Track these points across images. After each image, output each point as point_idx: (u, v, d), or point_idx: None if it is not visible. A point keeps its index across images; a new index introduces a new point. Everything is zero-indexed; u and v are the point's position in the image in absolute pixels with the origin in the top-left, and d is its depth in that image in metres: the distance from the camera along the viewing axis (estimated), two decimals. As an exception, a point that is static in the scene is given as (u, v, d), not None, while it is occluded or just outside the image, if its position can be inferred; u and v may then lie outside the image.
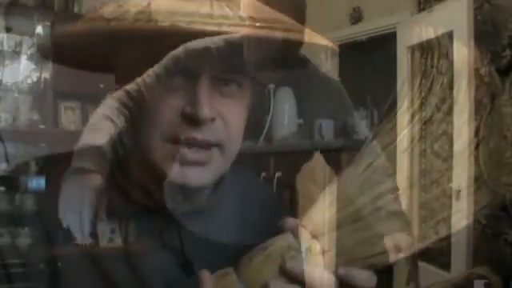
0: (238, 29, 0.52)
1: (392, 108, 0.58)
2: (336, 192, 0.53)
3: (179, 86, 0.57)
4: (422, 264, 2.39)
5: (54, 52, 0.66)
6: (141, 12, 0.52)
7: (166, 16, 0.51)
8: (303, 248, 0.52)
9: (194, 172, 0.58)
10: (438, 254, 2.37)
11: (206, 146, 0.58)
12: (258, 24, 0.54)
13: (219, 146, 0.59)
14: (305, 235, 0.52)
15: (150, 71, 0.52)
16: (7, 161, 2.28)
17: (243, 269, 0.52)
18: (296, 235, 0.53)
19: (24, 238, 0.84)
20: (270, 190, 0.87)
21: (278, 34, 0.55)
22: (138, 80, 0.53)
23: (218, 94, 0.58)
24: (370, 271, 0.53)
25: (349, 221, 0.53)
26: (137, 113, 0.59)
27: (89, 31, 0.57)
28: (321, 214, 0.53)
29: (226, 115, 0.59)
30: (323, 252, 0.52)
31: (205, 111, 0.56)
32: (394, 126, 0.56)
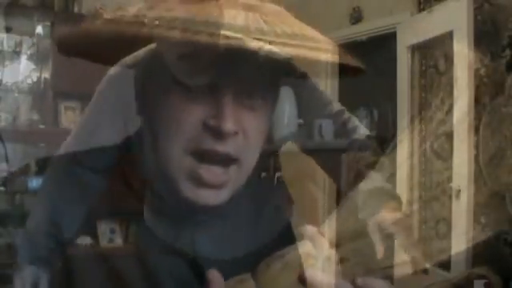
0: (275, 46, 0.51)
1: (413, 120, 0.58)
2: (357, 201, 0.53)
3: (204, 97, 0.55)
4: (422, 264, 2.39)
5: (74, 46, 0.64)
6: (176, 19, 0.50)
7: (203, 25, 0.49)
8: (322, 257, 0.52)
9: (210, 194, 0.57)
10: (437, 254, 2.36)
11: (226, 161, 0.57)
12: (293, 42, 0.52)
13: (238, 161, 0.58)
14: (324, 244, 0.52)
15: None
16: (7, 161, 2.28)
17: (260, 275, 0.51)
18: (315, 243, 0.52)
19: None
20: (282, 191, 0.86)
21: (312, 55, 0.53)
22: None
23: (242, 107, 0.57)
24: (388, 282, 0.53)
25: (366, 231, 0.52)
26: (156, 117, 0.58)
27: (111, 31, 0.55)
28: (340, 222, 0.53)
29: (247, 129, 0.57)
30: (342, 261, 0.52)
31: (228, 125, 0.54)
32: (411, 139, 0.56)
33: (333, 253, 0.52)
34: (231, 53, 0.49)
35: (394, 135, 0.55)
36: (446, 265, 2.27)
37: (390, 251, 0.52)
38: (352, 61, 0.57)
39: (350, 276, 0.51)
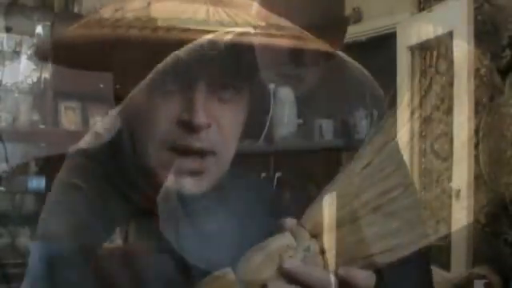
0: (237, 36, 0.52)
1: (391, 106, 0.58)
2: (335, 191, 0.53)
3: (175, 92, 0.57)
4: (421, 264, 2.39)
5: (53, 53, 0.66)
6: (138, 18, 0.52)
7: (163, 22, 0.51)
8: (302, 248, 0.52)
9: (190, 181, 0.59)
10: (437, 254, 2.37)
11: (201, 154, 0.58)
12: (255, 31, 0.53)
13: (214, 153, 0.59)
14: (303, 235, 0.52)
15: (138, 87, 0.52)
16: (7, 161, 2.28)
17: (242, 269, 0.52)
18: (294, 235, 0.53)
19: (24, 238, 0.84)
20: (270, 189, 0.87)
21: (277, 42, 0.54)
22: (129, 95, 0.54)
23: (215, 99, 0.58)
24: (370, 271, 0.53)
25: (348, 220, 0.53)
26: (134, 119, 0.59)
27: (85, 36, 0.57)
28: (320, 213, 0.53)
29: (222, 121, 0.59)
30: (322, 251, 0.52)
31: (201, 118, 0.56)
32: (394, 123, 0.56)
33: (313, 243, 0.52)
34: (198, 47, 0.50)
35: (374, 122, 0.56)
36: (445, 265, 2.27)
37: (370, 239, 0.53)
38: (322, 45, 0.58)
39: (331, 266, 0.52)
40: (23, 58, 2.80)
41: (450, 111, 2.35)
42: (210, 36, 0.51)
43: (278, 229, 0.53)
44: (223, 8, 0.54)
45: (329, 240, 0.52)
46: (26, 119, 2.76)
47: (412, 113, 0.58)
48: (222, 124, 0.59)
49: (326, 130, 2.76)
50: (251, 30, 0.53)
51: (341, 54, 0.60)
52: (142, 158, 0.59)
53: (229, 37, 0.51)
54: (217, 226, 0.66)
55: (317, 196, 0.54)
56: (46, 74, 2.80)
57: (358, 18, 3.03)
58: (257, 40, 0.53)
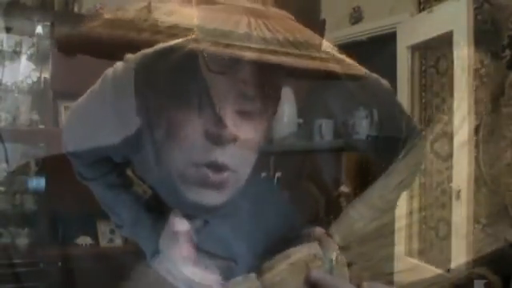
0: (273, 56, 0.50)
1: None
2: (366, 205, 0.53)
3: (204, 106, 0.56)
4: (422, 264, 2.39)
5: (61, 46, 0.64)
6: (176, 26, 0.50)
7: (206, 34, 0.49)
8: (329, 259, 0.51)
9: (211, 194, 0.58)
10: (438, 254, 2.37)
11: (225, 168, 0.57)
12: (294, 51, 0.51)
13: (235, 169, 0.59)
14: (331, 245, 0.52)
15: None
16: (7, 161, 2.28)
17: (266, 276, 0.51)
18: (322, 245, 0.52)
19: (24, 238, 0.84)
20: (282, 193, 0.86)
21: (313, 64, 0.53)
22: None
23: (240, 115, 0.57)
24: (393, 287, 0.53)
25: (377, 235, 0.52)
26: (156, 124, 0.58)
27: (111, 35, 0.55)
28: (349, 224, 0.52)
29: (246, 136, 0.58)
30: (349, 264, 0.52)
31: (228, 130, 0.55)
32: (424, 145, 0.55)
33: (340, 255, 0.51)
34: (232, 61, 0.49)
35: (405, 140, 0.55)
36: (445, 265, 2.27)
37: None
38: (351, 69, 0.57)
39: (356, 280, 0.51)
40: (23, 58, 2.80)
41: (449, 111, 2.34)
42: (245, 53, 0.49)
43: (306, 237, 0.53)
44: (264, 20, 0.53)
45: (356, 253, 0.52)
46: (25, 119, 2.76)
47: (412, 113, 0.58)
48: (245, 139, 0.58)
49: (325, 130, 2.75)
50: (292, 51, 0.51)
51: (374, 76, 0.58)
52: (165, 168, 0.58)
53: (268, 57, 0.49)
54: (232, 230, 0.65)
55: (317, 196, 0.54)
56: (46, 74, 2.80)
57: (358, 17, 3.03)
58: (290, 62, 0.51)
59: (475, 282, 1.92)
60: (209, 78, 0.53)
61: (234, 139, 0.56)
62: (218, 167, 0.57)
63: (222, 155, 0.56)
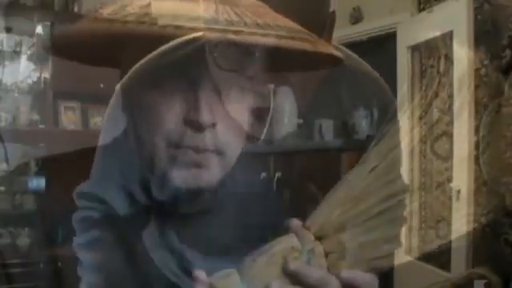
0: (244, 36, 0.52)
1: (395, 111, 0.58)
2: (341, 194, 0.53)
3: (181, 91, 0.57)
4: (422, 264, 2.39)
5: (56, 49, 0.66)
6: (143, 14, 0.52)
7: (170, 19, 0.51)
8: (306, 249, 0.52)
9: (194, 174, 0.58)
10: (438, 254, 2.37)
11: (206, 152, 0.58)
12: (264, 31, 0.53)
13: (219, 152, 0.59)
14: (308, 237, 0.52)
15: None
16: (7, 161, 2.28)
17: (247, 269, 0.52)
18: (299, 236, 0.52)
19: (24, 238, 0.84)
20: (271, 189, 0.87)
21: (286, 44, 0.54)
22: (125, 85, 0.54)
23: (220, 98, 0.58)
24: (372, 274, 0.53)
25: (353, 223, 0.53)
26: (137, 115, 0.59)
27: (90, 32, 0.57)
28: (325, 215, 0.53)
29: (227, 120, 0.59)
30: (326, 254, 0.52)
31: (206, 116, 0.56)
32: (398, 130, 0.56)
33: (318, 246, 0.52)
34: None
35: (377, 129, 0.55)
36: (445, 265, 2.27)
37: (374, 243, 0.53)
38: (330, 49, 0.58)
39: (335, 269, 0.52)
40: (23, 58, 2.80)
41: (450, 111, 2.35)
42: (217, 34, 0.51)
43: (283, 230, 0.53)
44: (232, 7, 0.54)
45: (333, 242, 0.52)
46: (25, 119, 2.76)
47: (413, 117, 0.58)
48: (227, 123, 0.59)
49: (325, 130, 2.76)
50: (260, 31, 0.52)
51: (354, 56, 0.59)
52: (147, 156, 0.59)
53: (236, 36, 0.51)
54: (219, 225, 0.65)
55: (317, 196, 0.54)
56: (46, 74, 2.80)
57: (358, 17, 3.03)
58: (264, 40, 0.53)
59: (475, 282, 1.92)
60: (188, 64, 0.54)
61: (213, 125, 0.57)
62: (199, 150, 0.58)
63: (202, 140, 0.57)
